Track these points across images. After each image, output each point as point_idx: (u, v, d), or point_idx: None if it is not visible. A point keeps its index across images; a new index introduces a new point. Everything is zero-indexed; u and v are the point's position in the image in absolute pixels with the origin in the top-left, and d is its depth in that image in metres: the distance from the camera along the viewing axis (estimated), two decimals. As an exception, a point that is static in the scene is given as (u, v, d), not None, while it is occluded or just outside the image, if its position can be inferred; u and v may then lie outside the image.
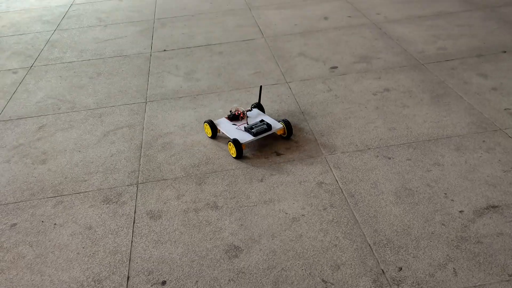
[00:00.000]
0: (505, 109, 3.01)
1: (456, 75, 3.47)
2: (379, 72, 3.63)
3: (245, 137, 2.78)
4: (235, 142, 2.71)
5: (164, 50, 4.34)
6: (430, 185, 2.42)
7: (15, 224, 2.38)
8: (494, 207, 2.24)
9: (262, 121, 2.89)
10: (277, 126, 2.88)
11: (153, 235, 2.25)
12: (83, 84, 3.77)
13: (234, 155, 2.74)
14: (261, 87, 3.08)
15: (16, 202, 2.53)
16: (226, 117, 2.99)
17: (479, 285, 1.86)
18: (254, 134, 2.79)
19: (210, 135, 2.96)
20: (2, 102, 3.57)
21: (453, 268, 1.94)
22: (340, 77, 3.61)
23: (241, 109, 2.99)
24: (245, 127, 2.85)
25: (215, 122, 2.96)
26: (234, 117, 2.97)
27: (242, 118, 2.97)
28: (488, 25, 4.33)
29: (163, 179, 2.63)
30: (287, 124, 2.88)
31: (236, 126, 2.90)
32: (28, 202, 2.53)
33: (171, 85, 3.69)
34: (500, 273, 1.90)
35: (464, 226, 2.14)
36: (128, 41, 4.58)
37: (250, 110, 3.04)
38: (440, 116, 3.01)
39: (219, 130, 2.91)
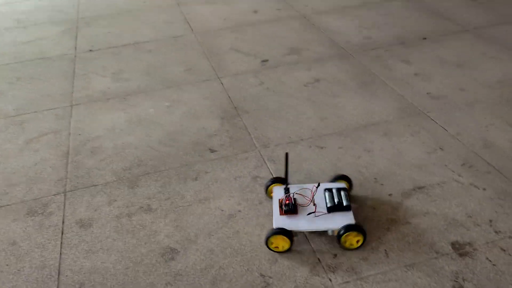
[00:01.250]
0: (427, 93, 3.15)
1: (382, 63, 3.59)
2: (309, 63, 3.68)
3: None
4: (360, 229, 1.95)
5: (90, 50, 4.16)
6: (361, 172, 2.48)
7: None
8: (420, 188, 2.33)
9: (330, 190, 2.12)
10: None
11: (83, 245, 2.15)
12: (1, 91, 3.54)
13: (360, 243, 1.97)
14: (287, 155, 2.13)
15: None
16: (280, 214, 2.06)
17: (410, 264, 1.92)
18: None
19: (287, 247, 2.00)
20: None
21: (385, 249, 2.00)
22: (271, 70, 3.62)
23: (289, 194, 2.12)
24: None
25: (284, 226, 1.99)
26: (288, 210, 2.06)
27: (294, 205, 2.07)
28: (409, 14, 4.51)
29: (93, 185, 2.52)
30: (347, 179, 2.25)
31: (315, 214, 2.02)
32: None
33: (98, 87, 3.55)
34: (428, 251, 1.98)
35: (394, 209, 2.22)
36: (50, 42, 4.35)
37: (287, 192, 2.15)
38: (368, 103, 3.09)
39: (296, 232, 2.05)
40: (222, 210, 2.30)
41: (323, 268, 1.94)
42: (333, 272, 1.92)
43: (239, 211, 2.29)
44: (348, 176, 2.27)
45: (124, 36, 4.42)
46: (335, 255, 1.99)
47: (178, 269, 2.00)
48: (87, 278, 1.98)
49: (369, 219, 2.16)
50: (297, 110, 3.08)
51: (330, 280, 1.88)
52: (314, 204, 2.05)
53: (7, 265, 2.06)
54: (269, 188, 2.28)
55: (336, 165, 2.54)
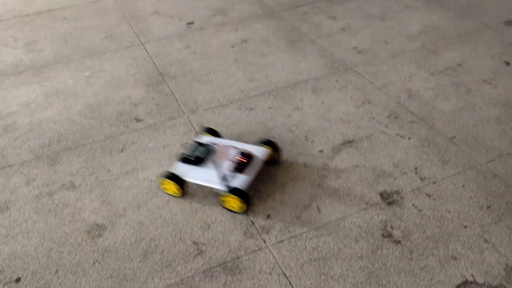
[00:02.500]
0: (353, 47, 3.16)
1: (309, 20, 3.55)
2: (236, 23, 3.57)
3: (238, 181, 1.99)
4: (239, 192, 1.94)
5: (-2, 21, 3.81)
6: (292, 130, 2.46)
7: None
8: (349, 142, 2.35)
9: (243, 153, 2.09)
10: (262, 152, 2.13)
11: (0, 230, 1.99)
12: None
13: (243, 209, 1.97)
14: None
15: None
16: (181, 161, 2.12)
17: (341, 217, 1.94)
18: (241, 170, 2.02)
19: (179, 194, 2.08)
20: None
21: (317, 206, 2.00)
22: (197, 33, 3.48)
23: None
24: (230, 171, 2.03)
25: (176, 173, 2.05)
26: (186, 159, 2.10)
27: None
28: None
29: (8, 166, 2.33)
30: (272, 145, 2.19)
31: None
32: None
33: (9, 59, 3.26)
34: (358, 203, 2.00)
35: (325, 164, 2.22)
36: (-49, 14, 3.93)
37: (200, 144, 2.16)
38: (297, 61, 3.06)
39: (188, 182, 2.06)
40: (151, 181, 2.21)
41: (257, 229, 1.92)
42: (266, 232, 1.90)
43: (169, 180, 2.20)
44: (273, 141, 2.21)
45: (35, 3, 4.07)
46: (269, 215, 1.97)
47: (106, 245, 1.91)
48: (7, 264, 1.84)
49: (300, 177, 2.15)
50: (225, 73, 2.99)
51: (264, 241, 1.87)
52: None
53: None
54: (198, 136, 2.31)
55: (266, 125, 2.50)
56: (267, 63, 3.07)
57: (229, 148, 2.15)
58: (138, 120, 2.62)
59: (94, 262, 1.84)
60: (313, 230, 1.89)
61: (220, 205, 2.01)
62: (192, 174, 2.06)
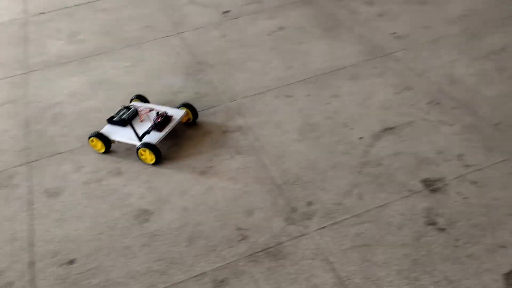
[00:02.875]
0: (391, 33, 3.12)
1: (345, 6, 3.51)
2: (272, 11, 3.57)
3: (152, 137, 2.30)
4: (150, 146, 2.23)
5: (41, 13, 3.93)
6: (331, 117, 2.47)
7: None
8: (389, 129, 2.34)
9: (158, 114, 2.37)
10: (179, 113, 2.44)
11: (54, 214, 2.10)
12: (-50, 62, 3.33)
13: (153, 161, 2.28)
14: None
15: None
16: (109, 123, 2.42)
17: (383, 204, 1.95)
18: (159, 129, 2.32)
19: (103, 150, 2.38)
20: None
21: (358, 193, 2.02)
22: (233, 21, 3.51)
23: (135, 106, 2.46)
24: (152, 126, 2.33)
25: (102, 132, 2.37)
26: (120, 122, 2.38)
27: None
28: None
29: (58, 153, 2.44)
30: (189, 107, 2.48)
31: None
32: None
33: (54, 51, 3.37)
34: (400, 190, 2.00)
35: (365, 152, 2.22)
36: (-3, 7, 4.08)
37: (126, 108, 2.45)
38: (334, 48, 3.05)
39: (114, 140, 2.37)
40: (194, 168, 2.27)
41: (299, 216, 1.95)
42: (308, 219, 1.93)
43: (210, 167, 2.26)
44: (190, 103, 2.50)
45: (76, -5, 4.17)
46: (310, 202, 2.00)
47: (153, 229, 1.98)
48: (61, 247, 1.94)
49: (341, 164, 2.17)
50: (262, 61, 3.01)
51: (306, 227, 1.90)
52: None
53: (-25, 241, 2.00)
54: (131, 101, 2.60)
55: (305, 113, 2.52)
56: (303, 50, 3.07)
57: (150, 110, 2.41)
58: (178, 108, 2.67)
59: (143, 245, 1.92)
60: (355, 217, 1.91)
61: (138, 157, 2.29)
62: (116, 133, 2.36)
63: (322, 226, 1.89)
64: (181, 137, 2.45)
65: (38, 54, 3.35)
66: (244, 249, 1.85)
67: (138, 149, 2.27)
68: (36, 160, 2.41)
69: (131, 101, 2.61)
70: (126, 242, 1.94)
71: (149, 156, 2.27)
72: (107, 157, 2.37)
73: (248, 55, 3.09)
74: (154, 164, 2.28)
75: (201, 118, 2.57)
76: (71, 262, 1.88)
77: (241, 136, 2.41)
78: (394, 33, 3.12)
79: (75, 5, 3.99)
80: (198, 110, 2.55)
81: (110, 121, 2.40)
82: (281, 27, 3.35)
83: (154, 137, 2.29)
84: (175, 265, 1.83)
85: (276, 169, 2.19)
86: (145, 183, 2.22)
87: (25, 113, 2.76)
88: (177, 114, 2.43)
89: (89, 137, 2.36)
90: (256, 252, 1.83)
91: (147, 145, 2.24)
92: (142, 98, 2.64)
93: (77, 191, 2.21)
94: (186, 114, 2.47)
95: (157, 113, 2.37)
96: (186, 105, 2.48)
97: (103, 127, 2.42)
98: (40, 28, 3.71)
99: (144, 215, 2.06)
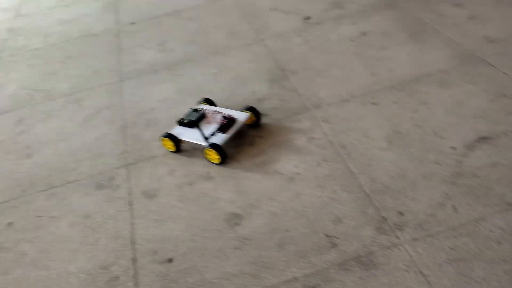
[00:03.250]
0: (484, 37, 2.99)
1: (432, 9, 3.42)
2: (354, 16, 3.56)
3: (218, 139, 2.46)
4: (215, 146, 2.40)
5: (132, 23, 4.19)
6: (419, 125, 2.42)
7: (11, 223, 2.34)
8: (485, 138, 2.26)
9: (224, 117, 2.54)
10: (243, 116, 2.57)
11: (152, 215, 2.24)
12: (54, 70, 3.65)
13: (219, 161, 2.43)
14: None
15: (8, 201, 2.48)
16: (179, 125, 2.57)
17: (480, 218, 1.89)
18: (224, 130, 2.48)
19: (173, 150, 2.56)
20: (-26, 100, 3.44)
21: (452, 205, 1.97)
22: (315, 27, 3.53)
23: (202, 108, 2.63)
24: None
25: (172, 132, 2.55)
26: (188, 123, 2.52)
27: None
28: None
29: (153, 157, 2.59)
30: (253, 110, 2.61)
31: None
32: (21, 198, 2.48)
33: (145, 59, 3.59)
34: (498, 203, 1.93)
35: (458, 162, 2.16)
36: (93, 19, 4.40)
37: (194, 110, 2.58)
38: (421, 53, 2.98)
39: (182, 140, 2.55)
40: (281, 174, 2.32)
41: (389, 226, 1.94)
42: (400, 230, 1.91)
43: (297, 173, 2.30)
44: (254, 106, 2.64)
45: (163, 5, 4.40)
46: (401, 213, 1.98)
47: (244, 233, 2.06)
48: (160, 246, 2.07)
49: (432, 175, 2.12)
50: (346, 67, 3.01)
51: (398, 238, 1.88)
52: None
53: (84, 236, 2.19)
54: (199, 104, 2.74)
55: (392, 120, 2.49)
56: (388, 56, 3.03)
57: (216, 113, 2.58)
58: (264, 115, 2.75)
59: (234, 248, 2.00)
60: (449, 230, 1.87)
61: (204, 157, 2.46)
62: (185, 134, 2.53)
63: (414, 237, 1.87)
64: (267, 144, 2.52)
65: (131, 62, 3.58)
66: (334, 257, 1.87)
67: (203, 149, 2.44)
68: (134, 163, 2.58)
69: (199, 104, 2.77)
70: (219, 244, 2.03)
71: (215, 156, 2.43)
72: (197, 162, 2.49)
73: (331, 61, 3.10)
74: (220, 163, 2.44)
75: (286, 124, 2.62)
76: (170, 260, 2.00)
77: (327, 144, 2.43)
78: (487, 36, 2.99)
79: (163, 15, 4.21)
80: (282, 117, 2.60)
81: (180, 123, 2.55)
82: (364, 32, 3.33)
83: (220, 139, 2.46)
84: (267, 269, 1.89)
85: (364, 177, 2.19)
86: (234, 187, 2.30)
87: (121, 118, 2.96)
88: (242, 116, 2.58)
89: (161, 137, 2.56)
90: (347, 260, 1.84)
91: (213, 146, 2.40)
92: (209, 102, 2.80)
93: (171, 194, 2.34)
94: (250, 117, 2.61)
95: (224, 116, 2.54)
96: (249, 109, 2.63)
97: (173, 128, 2.60)
98: (131, 37, 3.95)
99: (234, 219, 2.14)
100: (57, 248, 2.16)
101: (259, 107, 2.80)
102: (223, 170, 2.41)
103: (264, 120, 2.70)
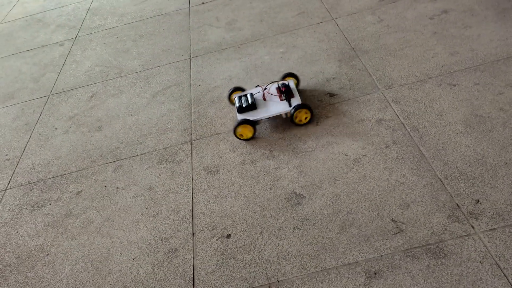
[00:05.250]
0: None
1: (524, -15, 3.10)
2: (434, -7, 3.31)
3: (294, 101, 2.46)
4: (304, 105, 2.38)
5: (203, 3, 4.20)
6: (504, 109, 2.20)
7: (80, 192, 2.44)
8: None
9: (278, 87, 2.55)
10: (291, 82, 2.57)
11: (212, 190, 2.23)
12: (127, 48, 3.75)
13: (308, 119, 2.43)
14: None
15: (78, 170, 2.58)
16: (240, 113, 2.51)
17: None
18: (291, 96, 2.49)
19: (250, 135, 2.46)
20: (54, 76, 3.63)
21: (538, 195, 1.77)
22: (390, 5, 3.34)
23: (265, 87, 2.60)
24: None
25: (247, 118, 2.45)
26: (251, 106, 2.50)
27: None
28: None
29: (216, 134, 2.58)
30: (293, 75, 2.63)
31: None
32: (90, 169, 2.57)
33: (213, 38, 3.58)
34: None
35: (547, 149, 1.94)
36: (166, -1, 4.47)
37: (241, 97, 2.57)
38: (509, 32, 2.71)
39: (260, 120, 2.49)
40: (346, 155, 2.21)
41: (463, 214, 1.78)
42: (475, 218, 1.75)
43: (364, 155, 2.19)
44: (293, 72, 2.69)
45: (234, -15, 4.37)
46: (477, 200, 1.81)
47: (305, 213, 1.99)
48: (218, 221, 2.06)
49: (516, 161, 1.92)
50: (422, 47, 2.81)
51: (473, 227, 1.72)
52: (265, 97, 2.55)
53: (146, 208, 2.22)
54: (231, 96, 2.71)
55: (472, 103, 2.29)
56: (471, 35, 2.79)
57: (266, 88, 2.59)
58: (331, 95, 2.64)
59: (294, 228, 1.94)
60: (533, 222, 1.68)
61: (293, 122, 2.42)
62: (259, 115, 2.45)
63: (491, 227, 1.70)
64: (333, 124, 2.42)
65: (199, 41, 3.59)
66: (400, 243, 1.75)
67: (292, 114, 2.40)
68: (197, 139, 2.58)
69: (230, 94, 2.71)
70: (279, 223, 1.98)
71: (303, 116, 2.42)
72: (260, 141, 2.44)
73: (407, 40, 2.91)
74: (308, 122, 2.44)
75: (354, 105, 2.50)
76: (228, 236, 1.98)
77: (397, 126, 2.29)
78: None
79: (233, -5, 4.18)
80: (351, 97, 2.49)
81: (241, 109, 2.49)
82: (445, 10, 3.09)
83: (296, 101, 2.46)
84: (327, 251, 1.81)
85: (437, 161, 2.03)
86: (297, 167, 2.23)
87: (187, 95, 2.98)
88: (291, 83, 2.60)
89: (235, 129, 2.43)
90: (414, 248, 1.72)
91: (299, 106, 2.39)
92: (240, 89, 2.72)
93: (233, 170, 2.31)
94: (295, 82, 2.64)
95: (278, 85, 2.57)
96: (288, 75, 2.66)
97: (239, 117, 2.48)
98: (201, 17, 3.96)
99: (296, 198, 2.07)
100: (120, 217, 2.21)
101: (327, 87, 2.70)
102: (286, 149, 2.35)
103: (332, 100, 2.59)
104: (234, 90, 2.71)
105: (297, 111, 2.39)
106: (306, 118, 2.43)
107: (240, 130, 2.44)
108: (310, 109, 2.41)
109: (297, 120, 2.43)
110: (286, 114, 2.47)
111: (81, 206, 2.34)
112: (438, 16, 3.05)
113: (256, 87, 2.66)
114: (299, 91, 2.68)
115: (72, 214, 2.31)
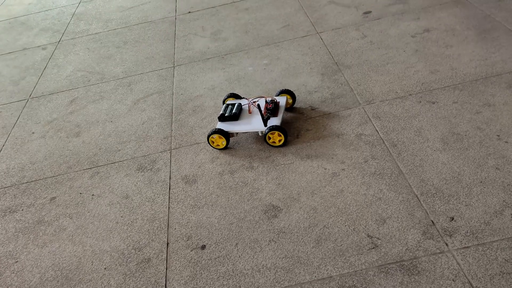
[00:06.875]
0: (562, 38, 2.73)
1: (504, 7, 3.17)
2: (417, 12, 3.37)
3: (273, 122, 2.42)
4: (277, 128, 2.34)
5: (189, 12, 4.20)
6: (481, 128, 2.23)
7: (54, 198, 2.39)
8: (554, 146, 2.04)
9: (267, 101, 2.51)
10: (283, 100, 2.54)
11: (189, 200, 2.20)
12: (111, 54, 3.72)
13: (282, 142, 2.37)
14: (259, 105, 2.41)
15: (54, 176, 2.53)
16: (221, 121, 2.50)
17: (542, 231, 1.70)
18: (274, 114, 2.45)
19: (223, 146, 2.45)
20: (34, 79, 3.57)
21: (511, 214, 1.78)
22: (374, 22, 3.38)
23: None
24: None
25: (221, 128, 2.44)
26: (232, 117, 2.49)
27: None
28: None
29: (196, 143, 2.56)
30: (288, 92, 2.60)
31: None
32: (66, 175, 2.53)
33: (198, 47, 3.58)
34: None
35: (522, 169, 1.96)
36: (152, 7, 4.46)
37: (230, 105, 2.57)
38: (488, 52, 2.76)
39: (234, 133, 2.46)
40: (325, 169, 2.21)
41: (438, 231, 1.79)
42: (449, 236, 1.76)
43: (342, 169, 2.19)
44: (289, 89, 2.62)
45: (221, -5, 4.38)
46: (452, 218, 1.82)
47: (281, 226, 1.97)
48: (194, 232, 2.03)
49: (491, 180, 1.94)
50: (404, 63, 2.85)
51: (447, 244, 1.73)
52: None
53: (121, 216, 2.19)
54: (225, 101, 2.69)
55: (450, 121, 2.31)
56: (452, 54, 2.83)
57: (256, 101, 2.54)
58: (312, 108, 2.65)
59: (270, 241, 1.92)
60: (505, 240, 1.69)
61: (266, 142, 2.39)
62: (235, 127, 2.44)
63: (465, 245, 1.71)
64: (313, 137, 2.42)
65: (184, 49, 3.58)
66: (374, 258, 1.74)
67: (266, 134, 2.36)
68: (177, 148, 2.56)
69: (225, 100, 2.69)
70: (254, 235, 1.96)
71: (277, 138, 2.37)
72: (240, 152, 2.43)
73: (389, 57, 2.94)
74: (281, 146, 2.39)
75: (335, 118, 2.51)
76: (203, 247, 1.95)
77: (377, 141, 2.30)
78: None
79: (220, 5, 4.19)
80: (332, 111, 2.49)
81: (222, 118, 2.48)
82: (427, 29, 3.14)
83: (275, 121, 2.41)
84: (301, 265, 1.79)
85: (414, 178, 2.04)
86: (275, 179, 2.22)
87: (169, 104, 2.96)
88: (282, 100, 2.56)
89: (209, 136, 2.43)
90: (388, 263, 1.71)
91: (274, 128, 2.35)
92: (236, 96, 2.70)
93: (211, 181, 2.29)
94: (287, 100, 2.59)
95: (266, 101, 2.51)
96: (285, 91, 2.61)
97: (217, 125, 2.48)
98: (187, 26, 3.96)
99: (273, 210, 2.06)
100: (94, 225, 2.17)
101: (308, 100, 2.70)
102: (265, 161, 2.34)
103: (313, 113, 2.60)
104: (229, 96, 2.69)
105: (270, 132, 2.36)
106: (280, 140, 2.37)
107: (212, 138, 2.44)
108: (285, 133, 2.36)
109: (270, 141, 2.39)
110: (261, 132, 2.42)
111: (54, 212, 2.29)
112: (420, 34, 3.10)
113: (256, 97, 2.60)
114: (294, 109, 2.65)
115: (45, 220, 2.25)
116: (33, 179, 2.53)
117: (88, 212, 2.25)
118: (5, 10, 5.02)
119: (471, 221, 1.79)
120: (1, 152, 2.80)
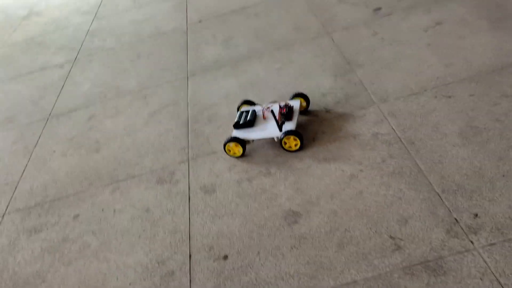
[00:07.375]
0: None
1: (517, -6, 3.10)
2: (428, 4, 3.32)
3: (288, 127, 2.40)
4: (292, 132, 2.32)
5: (200, 21, 4.23)
6: (500, 120, 2.19)
7: (77, 215, 2.43)
8: None
9: (281, 106, 2.50)
10: (297, 103, 2.53)
11: (209, 210, 2.21)
12: (125, 68, 3.77)
13: (298, 147, 2.36)
14: (273, 112, 2.43)
15: (76, 193, 2.58)
16: (236, 128, 2.52)
17: None
18: (289, 119, 2.43)
19: (239, 154, 2.45)
20: (53, 98, 3.64)
21: (537, 207, 1.74)
22: (385, 18, 3.34)
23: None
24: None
25: (237, 136, 2.45)
26: (247, 124, 2.50)
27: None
28: None
29: (213, 152, 2.57)
30: (302, 96, 2.60)
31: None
32: (88, 191, 2.57)
33: (210, 56, 3.59)
34: None
35: (545, 160, 1.92)
36: (164, 18, 4.50)
37: (246, 112, 2.58)
38: (503, 42, 2.70)
39: (250, 140, 2.46)
40: (343, 171, 2.20)
41: (462, 229, 1.76)
42: (474, 233, 1.72)
43: (360, 170, 2.17)
44: (303, 92, 2.62)
45: (230, 2, 4.40)
46: (476, 214, 1.79)
47: (302, 232, 1.97)
48: (215, 242, 2.04)
49: (513, 173, 1.90)
50: (417, 59, 2.81)
51: (472, 242, 1.70)
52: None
53: (143, 230, 2.21)
54: (239, 108, 2.70)
55: (468, 114, 2.27)
56: (466, 46, 2.78)
57: (269, 106, 2.53)
58: (327, 110, 2.63)
59: (291, 247, 1.92)
60: (532, 235, 1.66)
61: (282, 147, 2.38)
62: (251, 134, 2.44)
63: (491, 242, 1.68)
64: (329, 140, 2.40)
65: (196, 59, 3.61)
66: (399, 260, 1.72)
67: (281, 139, 2.36)
68: (194, 158, 2.58)
69: (239, 107, 2.71)
70: (276, 242, 1.96)
71: (293, 142, 2.36)
72: (257, 158, 2.43)
73: (402, 53, 2.91)
74: (298, 150, 2.37)
75: (350, 119, 2.49)
76: (225, 257, 1.96)
77: (393, 139, 2.27)
78: None
79: (230, 12, 4.21)
80: (346, 112, 2.48)
81: (237, 125, 2.50)
82: (439, 21, 3.09)
83: (289, 126, 2.40)
84: (325, 270, 1.78)
85: (434, 175, 2.01)
86: (293, 184, 2.22)
87: (185, 114, 2.98)
88: (296, 104, 2.54)
89: (225, 144, 2.44)
90: (413, 265, 1.69)
91: (289, 132, 2.34)
92: (250, 103, 2.71)
93: (230, 189, 2.30)
94: (301, 104, 2.59)
95: (280, 105, 2.50)
96: (298, 95, 2.62)
97: (233, 133, 2.50)
98: (198, 35, 3.98)
99: (293, 216, 2.05)
100: (117, 241, 2.20)
101: (322, 102, 2.69)
102: (282, 166, 2.33)
103: (327, 115, 2.58)
104: (243, 103, 2.71)
105: (286, 137, 2.35)
106: (296, 145, 2.35)
107: (229, 146, 2.45)
108: (301, 136, 2.34)
109: (286, 147, 2.38)
110: (277, 137, 2.41)
111: (78, 230, 2.33)
112: (432, 27, 3.05)
113: (270, 103, 2.60)
114: (308, 112, 2.63)
115: (69, 238, 2.30)
116: (56, 198, 2.58)
117: (111, 228, 2.28)
118: (22, 32, 5.14)
119: (496, 216, 1.76)
120: (24, 172, 2.86)
